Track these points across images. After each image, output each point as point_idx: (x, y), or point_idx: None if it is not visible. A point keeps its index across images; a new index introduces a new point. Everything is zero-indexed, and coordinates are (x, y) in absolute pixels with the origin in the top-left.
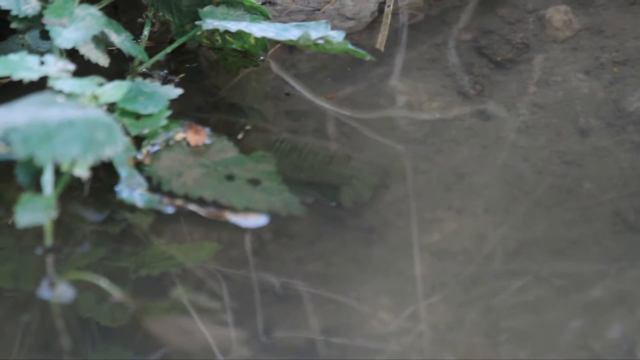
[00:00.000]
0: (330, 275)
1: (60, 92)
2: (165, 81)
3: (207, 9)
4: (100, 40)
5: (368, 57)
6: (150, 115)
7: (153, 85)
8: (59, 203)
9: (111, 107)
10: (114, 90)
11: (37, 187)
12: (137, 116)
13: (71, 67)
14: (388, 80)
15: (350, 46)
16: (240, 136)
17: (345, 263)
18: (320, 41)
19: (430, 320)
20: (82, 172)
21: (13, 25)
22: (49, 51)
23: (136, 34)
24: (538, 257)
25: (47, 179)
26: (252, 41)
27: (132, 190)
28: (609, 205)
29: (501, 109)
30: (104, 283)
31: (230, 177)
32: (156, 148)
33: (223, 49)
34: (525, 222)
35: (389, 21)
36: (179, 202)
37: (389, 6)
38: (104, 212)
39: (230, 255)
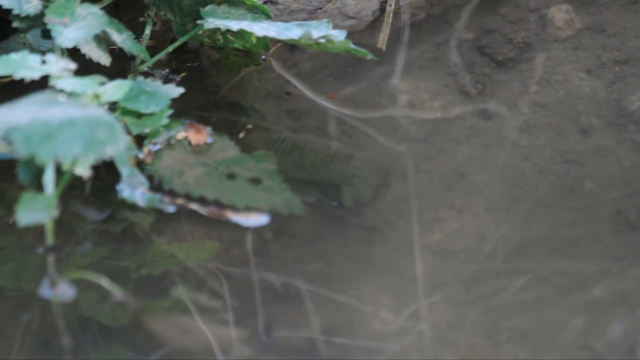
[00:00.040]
0: (331, 275)
1: (61, 91)
2: (166, 80)
3: (208, 8)
4: (102, 40)
5: (369, 56)
6: (151, 114)
7: (154, 85)
8: (60, 202)
9: (112, 106)
10: (115, 90)
11: (38, 186)
12: (139, 115)
13: (72, 66)
14: (389, 79)
15: (351, 45)
16: (241, 135)
17: (346, 262)
18: (322, 40)
19: (431, 320)
20: (83, 171)
21: (15, 24)
22: (51, 50)
23: (138, 33)
24: (539, 256)
25: (48, 178)
26: (254, 40)
27: (133, 189)
28: (610, 204)
29: (502, 108)
30: (105, 282)
31: (231, 176)
32: (157, 147)
33: (224, 48)
34: (526, 221)
35: (390, 20)
36: (180, 201)
37: (390, 5)
38: (105, 211)
39: (231, 254)
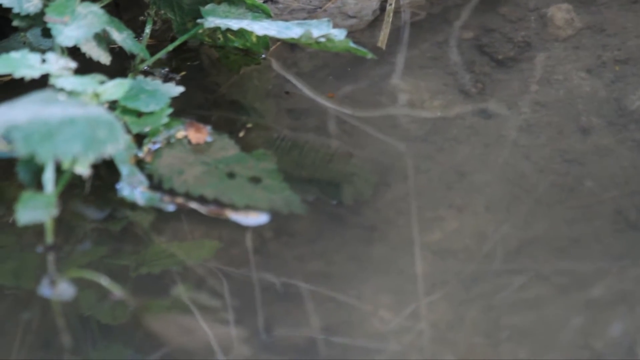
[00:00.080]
0: (331, 274)
1: (61, 90)
2: (166, 79)
3: (208, 7)
4: (102, 38)
5: (370, 56)
6: (151, 113)
7: (154, 83)
8: (59, 201)
9: (112, 105)
10: (115, 88)
11: (38, 185)
12: (139, 114)
13: (73, 65)
14: (389, 78)
15: (352, 44)
16: (241, 134)
17: (345, 261)
18: (322, 39)
19: (431, 319)
20: (83, 170)
21: (15, 23)
22: (51, 49)
23: (138, 32)
24: (539, 256)
25: (48, 176)
26: (254, 39)
27: (133, 188)
28: (611, 203)
29: (502, 107)
30: (104, 281)
31: (231, 175)
32: (157, 146)
33: (225, 47)
34: (526, 221)
35: (390, 19)
36: (180, 200)
37: (390, 4)
38: (105, 210)
39: (231, 253)
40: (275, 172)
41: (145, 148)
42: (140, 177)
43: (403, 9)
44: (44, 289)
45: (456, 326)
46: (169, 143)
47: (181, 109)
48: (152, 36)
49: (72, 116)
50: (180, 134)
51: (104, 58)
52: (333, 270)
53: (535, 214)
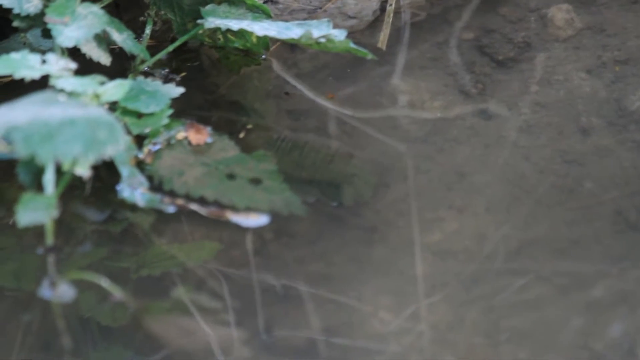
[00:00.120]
0: (331, 275)
1: (61, 90)
2: (166, 80)
3: (209, 7)
4: (102, 39)
5: (370, 56)
6: (151, 114)
7: (155, 84)
8: (60, 202)
9: (113, 106)
10: (115, 89)
11: (38, 187)
12: (139, 115)
13: (73, 65)
14: (390, 79)
15: (352, 45)
16: (241, 135)
17: (346, 263)
18: (322, 40)
19: (431, 320)
20: (83, 171)
21: (15, 23)
22: (51, 50)
23: (138, 32)
24: (539, 257)
25: (49, 178)
26: (254, 40)
27: (133, 189)
28: (611, 204)
29: (503, 108)
30: (105, 283)
31: (231, 176)
32: (157, 147)
33: (225, 48)
34: (526, 222)
35: (390, 20)
36: (180, 201)
37: (390, 5)
38: (105, 212)
39: (231, 254)
40: (275, 173)
41: (146, 149)
42: (141, 179)
43: (403, 9)
44: (44, 291)
45: (456, 327)
46: (169, 144)
47: (181, 109)
48: (152, 37)
49: (73, 117)
50: (181, 135)
51: (104, 59)
52: (333, 272)
53: (536, 214)
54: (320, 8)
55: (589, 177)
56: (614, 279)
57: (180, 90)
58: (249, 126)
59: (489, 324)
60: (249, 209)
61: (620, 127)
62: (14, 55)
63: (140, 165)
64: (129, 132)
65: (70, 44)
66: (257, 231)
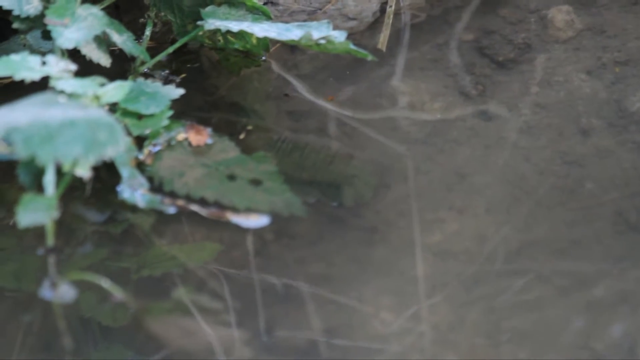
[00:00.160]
0: (332, 276)
1: (62, 92)
2: (166, 81)
3: (209, 9)
4: (102, 41)
5: (370, 58)
6: (151, 116)
7: (155, 86)
8: (60, 203)
9: (113, 108)
10: (115, 91)
11: (39, 188)
12: (139, 116)
13: (73, 67)
14: (390, 80)
15: (352, 46)
16: (241, 136)
17: (346, 263)
18: (322, 41)
19: (432, 321)
20: (83, 172)
21: (15, 25)
22: (51, 51)
23: (138, 34)
24: (540, 257)
25: (49, 179)
26: (254, 41)
27: (133, 190)
28: (611, 205)
29: (503, 109)
30: (105, 283)
31: (231, 177)
32: (158, 148)
33: (225, 49)
34: (526, 222)
35: (390, 21)
36: (180, 202)
37: (390, 6)
38: (105, 213)
39: (231, 255)
40: (275, 174)
41: (146, 150)
42: (141, 180)
43: (403, 10)
44: (45, 291)
45: (457, 328)
46: (169, 145)
47: (181, 111)
48: (152, 38)
49: (73, 118)
50: (181, 136)
51: (104, 60)
52: (334, 272)
53: (536, 215)
54: (320, 9)
55: (589, 178)
56: (615, 279)
57: (181, 91)
58: (249, 127)
59: (490, 324)
60: (249, 210)
61: (620, 128)
62: (14, 57)
63: (140, 166)
64: (129, 133)
65: (70, 45)
66: (258, 232)
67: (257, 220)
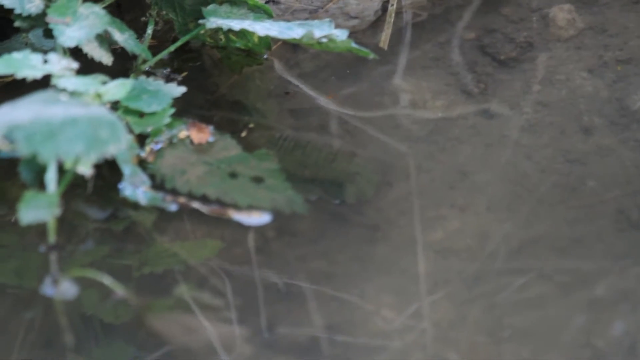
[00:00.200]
0: (334, 273)
1: (63, 90)
2: (168, 79)
3: (210, 7)
4: (104, 39)
5: (372, 56)
6: (153, 114)
7: (156, 84)
8: (62, 200)
9: (115, 105)
10: (117, 89)
11: (41, 185)
12: (141, 114)
13: (74, 65)
14: (392, 78)
15: (354, 45)
16: (243, 134)
17: (348, 261)
18: (324, 40)
19: (433, 318)
20: (85, 169)
21: (17, 23)
22: (53, 49)
23: (140, 32)
24: (541, 255)
25: (51, 176)
26: (256, 40)
27: (135, 188)
28: (613, 203)
29: (505, 107)
30: (107, 280)
31: (233, 175)
32: (160, 146)
33: (226, 48)
34: (528, 220)
35: (392, 20)
36: (182, 199)
37: (392, 5)
38: (107, 210)
39: (233, 253)
40: (277, 171)
41: (148, 148)
42: (143, 177)
43: (405, 9)
44: (47, 288)
45: (458, 325)
46: (171, 143)
47: (183, 109)
48: (153, 37)
49: (75, 116)
50: (183, 134)
51: (106, 59)
52: (335, 270)
53: (537, 213)
54: (322, 8)
55: (591, 176)
56: (616, 277)
57: (182, 89)
58: (251, 125)
59: (491, 322)
60: (251, 208)
61: (622, 126)
62: (16, 55)
63: (142, 164)
64: (131, 131)
65: (72, 43)
66: (259, 229)
67: (258, 218)
